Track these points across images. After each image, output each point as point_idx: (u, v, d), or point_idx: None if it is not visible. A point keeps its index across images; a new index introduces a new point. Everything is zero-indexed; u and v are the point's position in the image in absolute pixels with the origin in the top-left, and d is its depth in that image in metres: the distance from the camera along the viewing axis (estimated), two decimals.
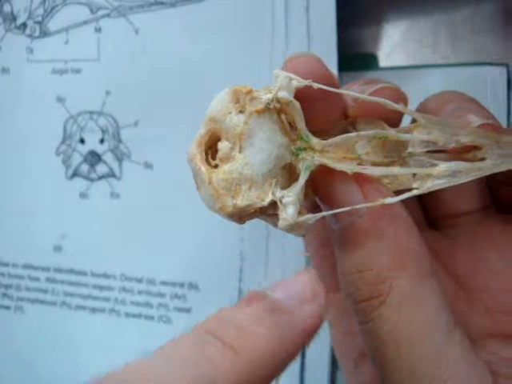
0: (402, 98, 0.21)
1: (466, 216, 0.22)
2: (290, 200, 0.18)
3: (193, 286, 0.35)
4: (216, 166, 0.19)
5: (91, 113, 0.37)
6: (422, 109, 0.22)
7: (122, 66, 0.36)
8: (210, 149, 0.19)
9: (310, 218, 0.18)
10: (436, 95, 0.22)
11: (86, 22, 0.36)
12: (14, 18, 0.38)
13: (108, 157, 0.37)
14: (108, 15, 0.36)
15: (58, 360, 0.38)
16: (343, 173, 0.19)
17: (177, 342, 0.15)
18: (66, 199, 0.38)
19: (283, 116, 0.19)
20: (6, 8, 0.38)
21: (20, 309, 0.39)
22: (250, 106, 0.19)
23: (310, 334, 0.16)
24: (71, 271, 0.38)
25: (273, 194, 0.19)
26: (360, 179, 0.19)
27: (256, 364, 0.14)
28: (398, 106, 0.20)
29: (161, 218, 0.36)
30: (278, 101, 0.18)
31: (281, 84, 0.18)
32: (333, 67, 0.32)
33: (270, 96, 0.18)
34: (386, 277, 0.19)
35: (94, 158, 0.37)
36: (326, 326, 0.33)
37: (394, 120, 0.21)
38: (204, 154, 0.19)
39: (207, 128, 0.19)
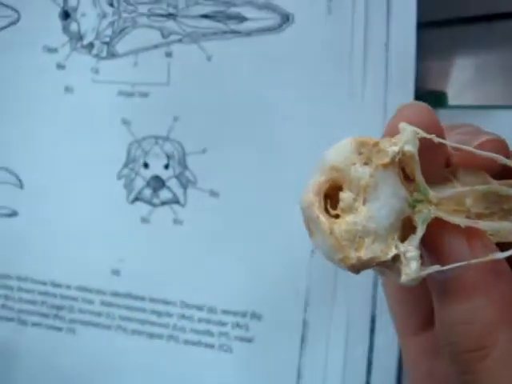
0: (505, 150, 0.21)
1: None
2: (413, 255, 0.18)
3: (255, 316, 0.35)
4: (335, 216, 0.19)
5: (157, 138, 0.36)
6: None
7: (191, 92, 0.36)
8: (326, 197, 0.19)
9: (432, 271, 0.19)
10: None
11: (156, 46, 0.36)
12: (81, 38, 0.37)
13: (172, 183, 0.36)
14: (180, 40, 0.36)
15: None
16: (453, 225, 0.19)
17: None
18: (126, 223, 0.37)
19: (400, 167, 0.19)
20: (73, 27, 0.37)
21: (72, 331, 0.39)
22: (377, 158, 0.19)
23: None
24: (128, 295, 0.37)
25: (396, 247, 0.19)
26: (467, 232, 0.19)
27: None
28: (511, 162, 0.20)
29: (224, 246, 0.36)
30: (403, 154, 0.19)
31: (407, 137, 0.18)
32: None
33: (396, 149, 0.18)
34: (491, 330, 0.19)
35: (157, 183, 0.37)
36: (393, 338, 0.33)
37: (495, 170, 0.21)
38: (323, 203, 0.19)
39: (328, 177, 0.19)
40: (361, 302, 0.34)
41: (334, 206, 0.19)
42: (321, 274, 0.34)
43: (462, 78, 0.36)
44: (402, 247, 0.19)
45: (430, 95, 0.36)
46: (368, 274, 0.34)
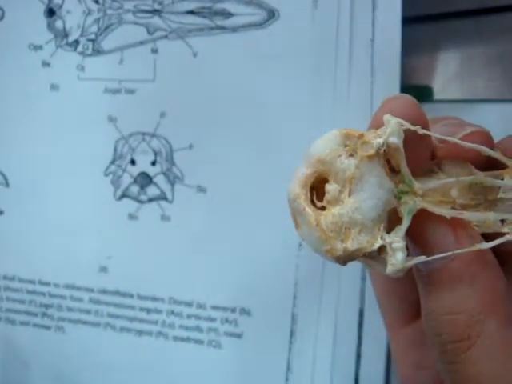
0: (490, 141, 0.21)
1: None
2: (399, 246, 0.19)
3: (245, 311, 0.35)
4: (321, 208, 0.19)
5: (144, 134, 0.36)
6: (501, 148, 0.22)
7: (178, 89, 0.36)
8: (312, 189, 0.19)
9: (417, 262, 0.19)
10: None
11: (142, 43, 0.36)
12: (66, 35, 0.37)
13: (160, 179, 0.36)
14: (166, 37, 0.35)
15: (99, 381, 0.38)
16: (439, 216, 0.19)
17: None
18: (113, 220, 0.37)
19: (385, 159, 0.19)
20: (58, 24, 0.37)
21: (61, 329, 0.39)
22: (362, 150, 0.19)
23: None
24: (117, 293, 0.37)
25: (382, 238, 0.19)
26: (453, 223, 0.20)
27: None
28: (495, 154, 0.20)
29: (212, 242, 0.36)
30: (388, 145, 0.19)
31: (392, 129, 0.19)
32: None
33: (381, 141, 0.19)
34: (476, 320, 0.19)
35: (144, 179, 0.37)
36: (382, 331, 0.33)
37: (480, 162, 0.22)
38: (309, 195, 0.19)
39: (314, 169, 0.19)
40: (349, 295, 0.34)
41: (320, 198, 0.19)
42: (309, 267, 0.34)
43: (446, 73, 0.36)
44: (388, 238, 0.19)
45: (415, 90, 0.36)
46: (356, 267, 0.34)
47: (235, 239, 0.35)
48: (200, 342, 0.36)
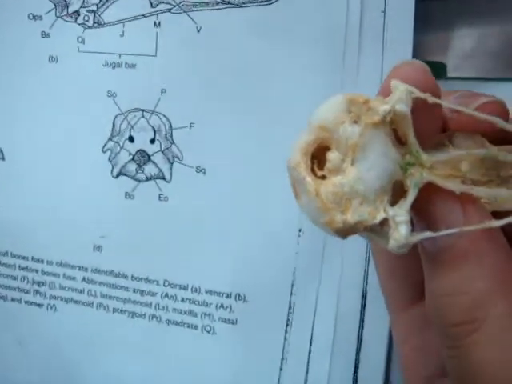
0: (505, 113, 0.20)
1: None
2: (403, 219, 0.17)
3: (240, 298, 0.34)
4: (322, 177, 0.18)
5: (143, 111, 0.35)
6: None
7: (180, 64, 0.34)
8: (313, 158, 0.18)
9: (421, 238, 0.18)
10: None
11: (144, 16, 0.35)
12: (67, 5, 0.36)
13: (158, 158, 0.35)
14: (169, 10, 0.34)
15: (90, 361, 0.37)
16: (447, 191, 0.18)
17: None
18: (109, 198, 0.36)
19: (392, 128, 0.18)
20: None
21: (53, 307, 0.38)
22: (366, 116, 0.18)
23: None
24: (111, 273, 0.37)
25: (385, 211, 0.18)
26: (462, 199, 0.18)
27: None
28: (510, 126, 0.19)
29: (211, 224, 0.35)
30: (395, 113, 0.17)
31: (399, 96, 0.17)
32: None
33: (387, 108, 0.17)
34: (483, 302, 0.18)
35: (143, 157, 0.35)
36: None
37: (494, 135, 0.20)
38: (309, 163, 0.18)
39: (316, 136, 0.18)
40: (352, 278, 0.33)
41: (322, 167, 0.18)
42: (308, 253, 0.33)
43: (461, 50, 0.35)
44: (391, 211, 0.18)
45: (428, 66, 0.35)
46: (360, 249, 0.33)
47: (234, 223, 0.34)
48: (194, 326, 0.35)
